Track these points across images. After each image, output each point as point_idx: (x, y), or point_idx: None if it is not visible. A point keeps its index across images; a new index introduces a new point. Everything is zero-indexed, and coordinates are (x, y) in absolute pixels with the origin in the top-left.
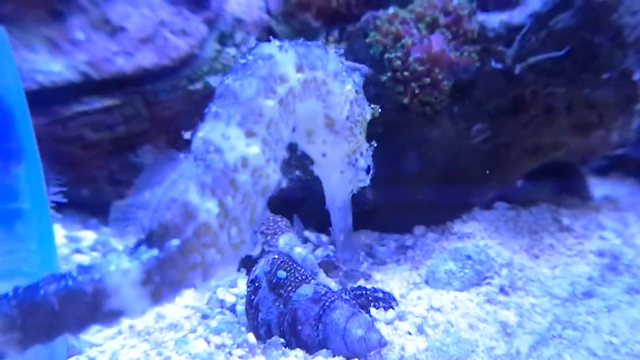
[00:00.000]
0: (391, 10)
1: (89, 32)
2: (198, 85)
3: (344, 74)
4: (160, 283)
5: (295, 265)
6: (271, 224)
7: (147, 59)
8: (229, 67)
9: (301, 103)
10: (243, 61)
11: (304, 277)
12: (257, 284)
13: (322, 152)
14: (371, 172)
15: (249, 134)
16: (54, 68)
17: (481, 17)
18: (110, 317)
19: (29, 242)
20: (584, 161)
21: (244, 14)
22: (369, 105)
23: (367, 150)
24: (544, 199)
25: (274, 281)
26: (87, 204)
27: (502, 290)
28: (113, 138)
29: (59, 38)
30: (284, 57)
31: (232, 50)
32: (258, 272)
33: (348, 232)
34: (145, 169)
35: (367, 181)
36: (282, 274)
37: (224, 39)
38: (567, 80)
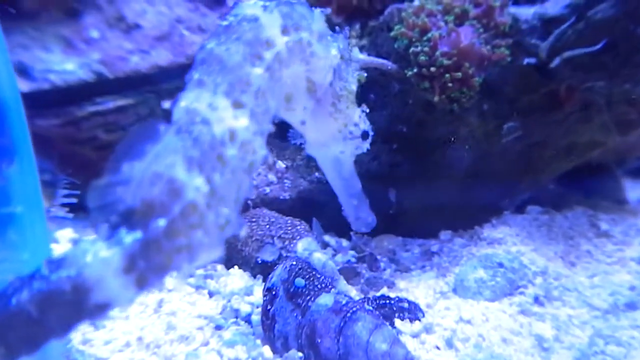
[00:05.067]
0: (417, 2)
1: (104, 30)
2: None
3: (329, 37)
4: (146, 268)
5: (314, 273)
6: (289, 227)
7: (162, 56)
8: None
9: (287, 69)
10: (225, 23)
11: (323, 285)
12: (273, 293)
13: (301, 120)
14: (369, 136)
15: (237, 105)
16: (68, 67)
17: (513, 9)
18: (97, 311)
19: (22, 251)
20: (618, 162)
21: None
22: (356, 72)
23: (359, 116)
24: (578, 202)
25: (291, 290)
26: None
27: (536, 300)
28: None
29: (74, 37)
30: (269, 18)
31: None
32: (275, 280)
33: (359, 196)
34: (123, 141)
35: (365, 147)
36: (300, 282)
37: None
38: (606, 75)
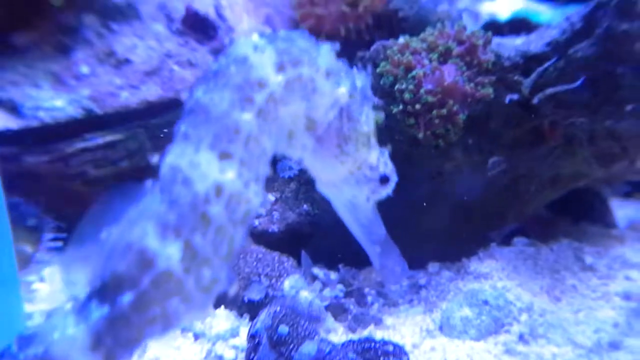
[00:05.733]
0: (402, 39)
1: (94, 65)
2: None
3: (342, 74)
4: (113, 345)
5: (298, 319)
6: (276, 264)
7: (152, 92)
8: None
9: (285, 107)
10: (215, 66)
11: (307, 332)
12: (257, 340)
13: (301, 158)
14: (389, 181)
15: (224, 156)
16: (57, 104)
17: (496, 40)
18: None
19: None
20: (608, 186)
21: None
22: (372, 112)
23: (378, 158)
24: (564, 229)
25: (274, 338)
26: None
27: (521, 338)
28: (116, 173)
29: (64, 73)
30: (260, 58)
31: None
32: (259, 326)
33: (383, 242)
34: (106, 197)
35: (385, 192)
36: (283, 329)
37: None
38: (588, 111)
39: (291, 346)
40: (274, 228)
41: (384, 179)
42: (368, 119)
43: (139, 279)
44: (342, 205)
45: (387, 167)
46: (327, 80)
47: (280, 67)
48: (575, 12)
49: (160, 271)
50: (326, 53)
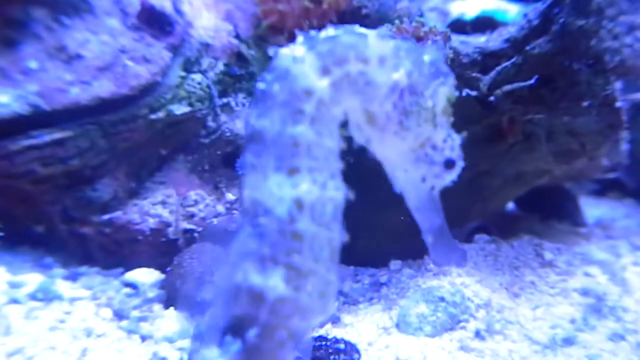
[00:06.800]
0: None
1: (43, 60)
2: (160, 114)
3: (402, 52)
4: None
5: None
6: None
7: (104, 88)
8: (193, 94)
9: (338, 106)
10: (262, 86)
11: None
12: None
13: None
14: (455, 165)
15: (292, 172)
16: (2, 100)
17: (461, 38)
18: None
19: None
20: (576, 182)
21: (212, 39)
22: (443, 87)
23: (444, 141)
24: (531, 226)
25: None
26: (44, 240)
27: (477, 334)
28: (66, 172)
29: (10, 67)
30: (301, 67)
31: (197, 77)
32: (202, 327)
33: (436, 232)
34: (203, 239)
35: (449, 178)
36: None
37: (189, 65)
38: (545, 107)
39: None
40: (234, 228)
41: (449, 163)
42: (435, 94)
43: (256, 315)
44: (400, 185)
45: (453, 151)
46: (382, 67)
47: (324, 71)
48: (533, 9)
49: (272, 301)
50: (376, 40)
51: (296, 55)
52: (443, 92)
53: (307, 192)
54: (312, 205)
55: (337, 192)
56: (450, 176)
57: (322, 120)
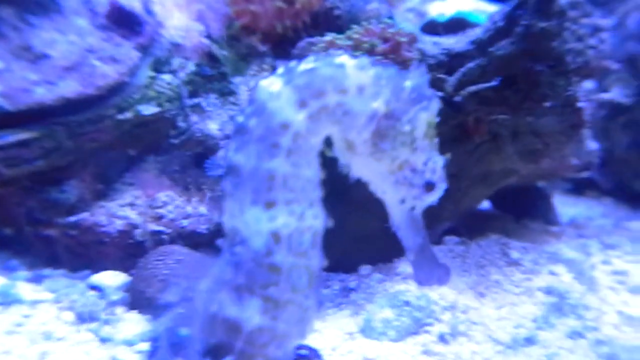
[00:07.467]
0: (327, 37)
1: (9, 60)
2: (128, 115)
3: (382, 81)
4: None
5: None
6: (198, 266)
7: (70, 88)
8: (163, 95)
9: (316, 137)
10: (240, 119)
11: None
12: (156, 344)
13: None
14: (435, 188)
15: (269, 205)
16: None
17: (433, 39)
18: None
19: None
20: (548, 181)
21: (182, 39)
22: (422, 113)
23: (425, 164)
24: (503, 226)
25: (175, 342)
26: (12, 242)
27: (441, 338)
28: (31, 173)
29: None
30: (278, 102)
31: (167, 77)
32: (158, 329)
33: (418, 250)
34: (181, 266)
35: (430, 199)
36: (184, 332)
37: (159, 66)
38: (509, 108)
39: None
40: (203, 229)
41: (429, 186)
42: (415, 119)
43: (232, 344)
44: (386, 204)
45: (434, 173)
46: (361, 97)
47: (301, 104)
48: (498, 11)
49: (248, 332)
50: (356, 69)
51: (272, 91)
52: (424, 117)
53: (284, 225)
54: (289, 237)
55: (315, 221)
56: (431, 198)
57: (299, 151)
